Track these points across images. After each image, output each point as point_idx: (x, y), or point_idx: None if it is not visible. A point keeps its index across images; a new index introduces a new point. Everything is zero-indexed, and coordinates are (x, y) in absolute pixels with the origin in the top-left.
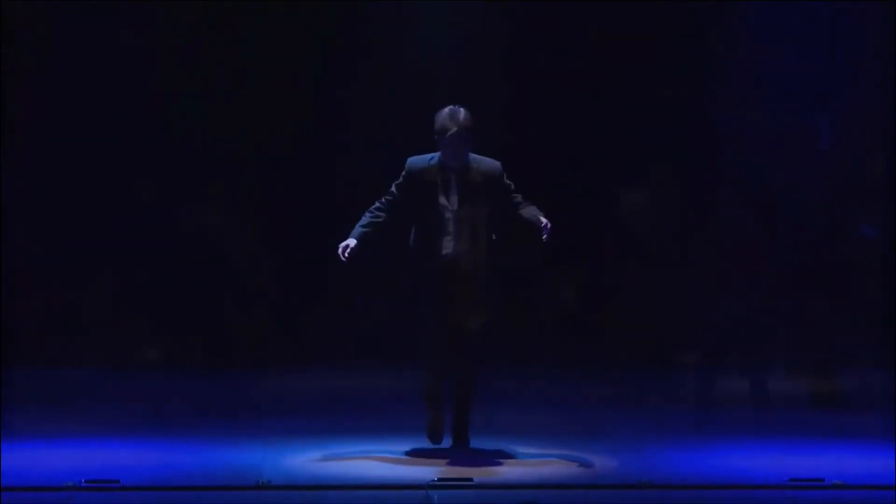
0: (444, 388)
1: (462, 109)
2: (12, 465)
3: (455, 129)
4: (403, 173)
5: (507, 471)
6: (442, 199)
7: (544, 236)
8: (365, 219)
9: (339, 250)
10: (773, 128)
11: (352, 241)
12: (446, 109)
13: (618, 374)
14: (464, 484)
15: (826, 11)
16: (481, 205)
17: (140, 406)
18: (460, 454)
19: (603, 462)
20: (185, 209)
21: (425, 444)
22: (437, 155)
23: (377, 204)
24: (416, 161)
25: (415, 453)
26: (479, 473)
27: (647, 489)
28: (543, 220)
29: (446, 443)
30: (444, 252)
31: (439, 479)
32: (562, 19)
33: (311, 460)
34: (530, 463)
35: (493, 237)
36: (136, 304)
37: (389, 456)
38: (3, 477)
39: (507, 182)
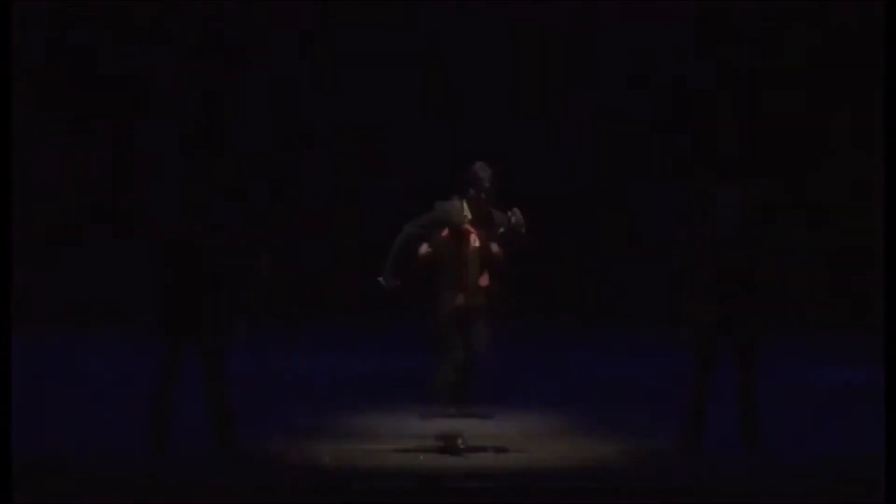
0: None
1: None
2: None
3: (487, 181)
4: (432, 213)
5: None
6: (462, 234)
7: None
8: (400, 240)
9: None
10: None
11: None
12: (479, 163)
13: None
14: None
15: None
16: (491, 239)
17: None
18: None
19: None
20: None
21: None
22: (457, 200)
23: (410, 227)
24: (441, 203)
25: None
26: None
27: None
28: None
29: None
30: (463, 281)
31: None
32: None
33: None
34: None
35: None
36: None
37: None
38: None
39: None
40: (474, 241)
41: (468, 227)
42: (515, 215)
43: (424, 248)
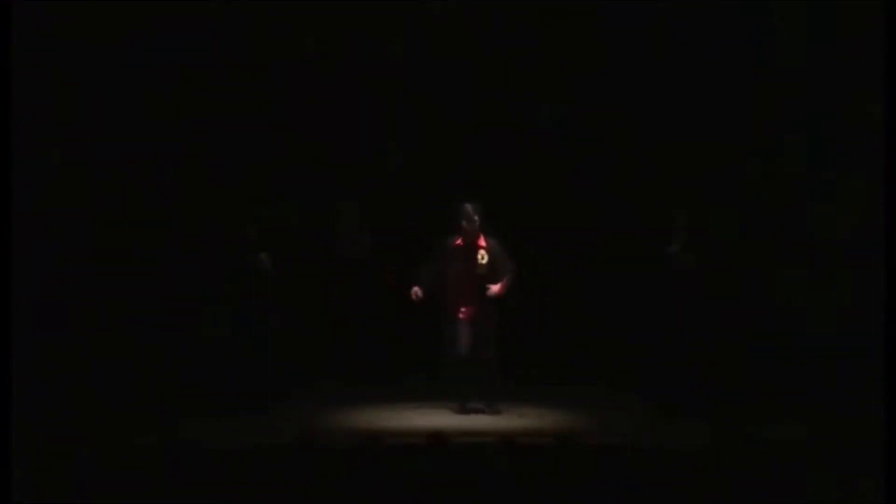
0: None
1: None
2: None
3: (473, 222)
4: (441, 247)
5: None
6: (462, 264)
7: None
8: (423, 272)
9: (413, 295)
10: None
11: (419, 290)
12: (468, 205)
13: None
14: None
15: None
16: (486, 267)
17: None
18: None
19: None
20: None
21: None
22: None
23: (427, 265)
24: (447, 240)
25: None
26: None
27: None
28: (495, 288)
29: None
30: (465, 302)
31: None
32: None
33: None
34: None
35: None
36: None
37: None
38: None
39: (505, 254)
40: (482, 257)
41: (480, 242)
42: (484, 259)
43: (416, 291)
